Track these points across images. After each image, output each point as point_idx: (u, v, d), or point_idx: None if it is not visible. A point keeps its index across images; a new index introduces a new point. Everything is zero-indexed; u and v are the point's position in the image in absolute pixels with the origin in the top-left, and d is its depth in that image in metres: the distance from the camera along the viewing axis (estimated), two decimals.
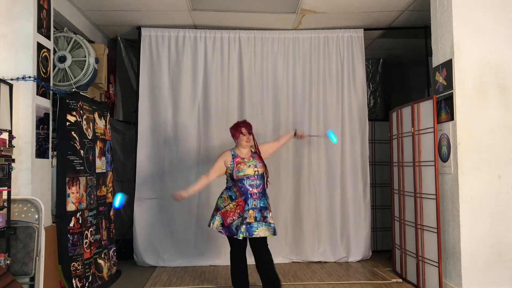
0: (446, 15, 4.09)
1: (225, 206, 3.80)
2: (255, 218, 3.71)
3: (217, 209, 3.85)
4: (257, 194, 3.79)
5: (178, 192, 3.78)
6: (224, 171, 3.88)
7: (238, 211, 3.75)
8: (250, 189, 3.77)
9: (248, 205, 3.73)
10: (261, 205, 3.78)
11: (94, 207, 4.32)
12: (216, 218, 3.81)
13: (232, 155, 3.87)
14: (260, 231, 3.70)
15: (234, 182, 3.82)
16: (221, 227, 3.78)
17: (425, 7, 4.64)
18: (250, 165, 3.82)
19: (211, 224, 3.84)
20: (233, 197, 3.80)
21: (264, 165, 3.91)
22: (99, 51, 4.80)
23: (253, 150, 3.98)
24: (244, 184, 3.77)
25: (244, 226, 3.68)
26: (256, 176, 3.82)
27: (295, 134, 4.20)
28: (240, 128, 3.91)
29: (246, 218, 3.70)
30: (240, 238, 3.67)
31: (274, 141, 4.30)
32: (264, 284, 3.83)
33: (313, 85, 5.59)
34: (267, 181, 3.94)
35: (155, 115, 5.46)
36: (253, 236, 3.69)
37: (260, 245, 3.79)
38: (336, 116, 5.57)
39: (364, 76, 5.67)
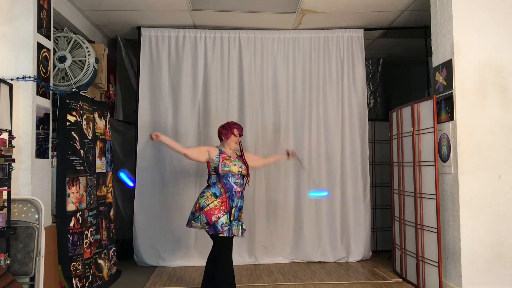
0: (446, 15, 4.09)
1: (208, 205, 3.70)
2: (234, 216, 3.76)
3: (200, 208, 3.72)
4: (240, 193, 3.84)
5: (156, 133, 3.72)
6: (203, 157, 3.83)
7: (223, 208, 3.70)
8: (235, 186, 3.79)
9: (232, 202, 3.76)
10: (240, 204, 3.84)
11: (94, 207, 4.32)
12: (200, 217, 3.69)
13: (219, 151, 3.87)
14: (235, 230, 3.74)
15: (218, 178, 3.78)
16: (207, 226, 3.68)
17: (425, 7, 4.64)
18: (235, 164, 3.83)
19: (194, 223, 3.73)
20: (218, 194, 3.73)
21: (247, 169, 3.91)
22: (99, 51, 4.79)
23: (238, 154, 3.98)
24: (229, 181, 3.78)
25: (234, 224, 3.72)
26: (239, 175, 3.84)
27: (288, 155, 4.29)
28: (233, 128, 3.91)
29: (232, 215, 3.74)
30: (230, 235, 3.67)
31: (263, 158, 4.47)
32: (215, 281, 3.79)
33: (313, 85, 5.60)
34: (247, 183, 3.95)
35: (155, 115, 5.46)
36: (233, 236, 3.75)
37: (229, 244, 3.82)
38: (336, 116, 5.57)
39: (364, 76, 5.67)
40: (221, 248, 3.74)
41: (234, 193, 3.78)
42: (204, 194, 3.79)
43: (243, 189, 3.89)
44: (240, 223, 3.81)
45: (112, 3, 4.88)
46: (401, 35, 5.89)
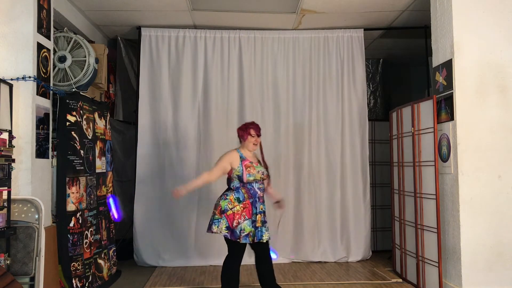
0: (446, 15, 4.09)
1: (231, 208, 3.61)
2: (262, 222, 3.68)
3: (221, 211, 3.61)
4: (262, 198, 3.75)
5: (177, 188, 3.68)
6: (227, 171, 3.74)
7: (244, 214, 3.61)
8: (259, 192, 3.71)
9: (256, 208, 3.66)
10: (264, 209, 3.75)
11: (94, 207, 4.32)
12: (221, 221, 3.59)
13: (240, 157, 3.73)
14: (265, 236, 3.67)
15: (242, 184, 3.68)
16: (226, 231, 3.59)
17: (425, 7, 4.64)
18: (258, 171, 3.73)
19: (214, 227, 3.60)
20: (241, 199, 3.64)
21: (268, 174, 3.84)
22: (99, 51, 4.80)
23: (257, 158, 3.88)
24: (253, 186, 3.69)
25: (254, 230, 3.63)
26: (261, 181, 3.76)
27: (277, 202, 4.05)
28: (249, 129, 3.79)
29: (255, 222, 3.64)
30: (248, 242, 3.62)
31: None
32: (264, 283, 3.81)
33: (313, 85, 5.60)
34: (269, 185, 3.88)
35: (155, 115, 5.47)
36: (261, 240, 3.65)
37: (267, 248, 3.78)
38: (336, 116, 5.57)
39: (364, 76, 5.67)
40: (233, 252, 3.68)
41: (257, 199, 3.70)
42: (227, 197, 3.65)
43: (264, 192, 3.81)
44: (266, 228, 3.70)
45: (112, 3, 4.88)
46: (401, 35, 5.89)
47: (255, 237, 3.63)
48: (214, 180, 3.80)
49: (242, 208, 3.62)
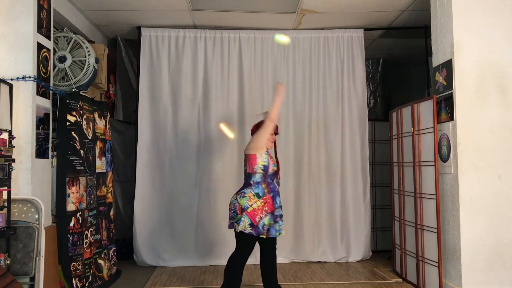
0: (446, 15, 4.09)
1: (251, 205, 3.58)
2: (280, 216, 3.69)
3: (242, 209, 3.58)
4: (279, 192, 3.78)
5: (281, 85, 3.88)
6: (270, 138, 3.73)
7: (266, 208, 3.60)
8: (277, 186, 3.74)
9: (276, 203, 3.67)
10: (280, 203, 3.77)
11: (94, 207, 4.32)
12: (243, 219, 3.56)
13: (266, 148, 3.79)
14: (283, 230, 3.70)
15: (264, 178, 3.67)
16: (250, 228, 3.55)
17: (425, 7, 4.64)
18: (275, 163, 3.79)
19: (238, 227, 3.57)
20: (261, 194, 3.62)
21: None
22: (99, 51, 4.80)
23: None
24: (273, 181, 3.71)
25: (277, 225, 3.63)
26: (278, 175, 3.79)
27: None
28: None
29: (277, 216, 3.65)
30: (276, 236, 3.63)
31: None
32: (265, 282, 3.82)
33: (313, 85, 5.60)
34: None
35: (155, 115, 5.47)
36: (279, 234, 3.67)
37: (273, 245, 3.80)
38: (336, 116, 5.57)
39: (364, 76, 5.67)
40: (243, 247, 3.67)
41: (277, 193, 3.71)
42: (245, 195, 3.63)
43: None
44: (282, 222, 3.72)
45: (112, 3, 4.88)
46: (401, 35, 5.89)
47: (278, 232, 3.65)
48: (271, 125, 3.72)
49: (263, 203, 3.61)
